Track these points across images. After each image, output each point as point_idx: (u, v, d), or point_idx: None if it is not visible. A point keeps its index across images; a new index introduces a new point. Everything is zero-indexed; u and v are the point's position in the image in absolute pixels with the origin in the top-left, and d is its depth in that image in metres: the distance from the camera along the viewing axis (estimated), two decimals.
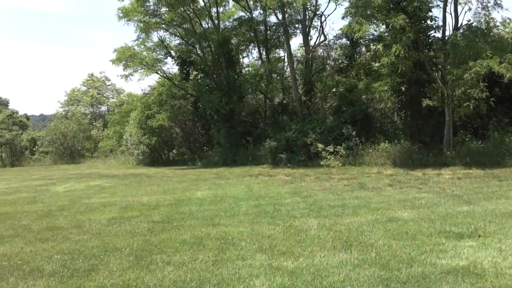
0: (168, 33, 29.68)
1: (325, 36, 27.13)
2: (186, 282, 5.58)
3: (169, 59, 30.80)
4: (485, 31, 19.37)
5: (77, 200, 13.24)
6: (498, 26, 21.21)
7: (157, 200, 12.39)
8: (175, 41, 30.70)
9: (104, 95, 57.28)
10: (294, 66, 27.37)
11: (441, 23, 20.17)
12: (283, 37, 27.80)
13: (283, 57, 30.35)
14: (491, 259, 5.88)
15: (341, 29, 25.16)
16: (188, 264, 6.30)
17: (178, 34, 29.64)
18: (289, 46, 26.89)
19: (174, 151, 32.57)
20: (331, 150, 20.54)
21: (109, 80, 57.73)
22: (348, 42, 25.99)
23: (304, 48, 27.53)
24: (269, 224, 8.61)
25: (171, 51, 30.36)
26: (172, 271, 6.03)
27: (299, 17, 27.34)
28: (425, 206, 9.90)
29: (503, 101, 20.40)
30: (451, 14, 19.63)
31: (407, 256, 6.17)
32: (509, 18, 20.34)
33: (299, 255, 6.44)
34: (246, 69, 31.81)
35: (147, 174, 21.57)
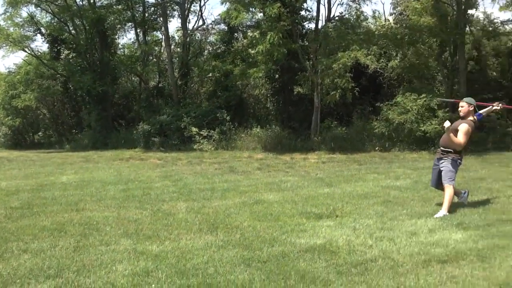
0: (39, 8, 27.73)
1: (203, 20, 27.26)
2: (43, 269, 5.30)
3: (38, 36, 28.98)
4: (355, 23, 20.58)
5: None
6: (368, 19, 22.61)
7: (17, 185, 11.60)
8: (46, 18, 28.78)
9: None
10: (171, 49, 27.03)
11: (315, 14, 21.11)
12: (161, 19, 27.26)
13: (160, 40, 29.81)
14: (346, 237, 6.25)
15: (219, 14, 25.35)
16: (47, 251, 5.98)
17: (50, 10, 27.75)
18: (167, 28, 26.51)
19: (40, 133, 30.81)
20: (205, 134, 20.64)
21: None
22: (226, 27, 26.19)
23: (182, 31, 27.22)
24: (136, 209, 8.45)
25: (41, 28, 28.46)
26: (29, 259, 5.69)
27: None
28: (290, 188, 10.31)
29: (368, 91, 21.85)
30: (324, 5, 20.61)
31: (270, 236, 6.38)
32: (378, 11, 21.84)
33: (165, 239, 6.39)
34: (122, 50, 30.83)
35: (7, 157, 20.16)
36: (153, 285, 4.71)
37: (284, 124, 21.61)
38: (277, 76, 22.77)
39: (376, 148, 18.53)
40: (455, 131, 7.55)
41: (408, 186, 10.27)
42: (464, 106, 7.72)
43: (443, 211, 7.36)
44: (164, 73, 28.13)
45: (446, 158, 7.68)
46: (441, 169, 7.71)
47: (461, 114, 7.77)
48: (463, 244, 5.77)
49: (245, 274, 4.93)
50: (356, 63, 19.07)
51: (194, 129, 20.75)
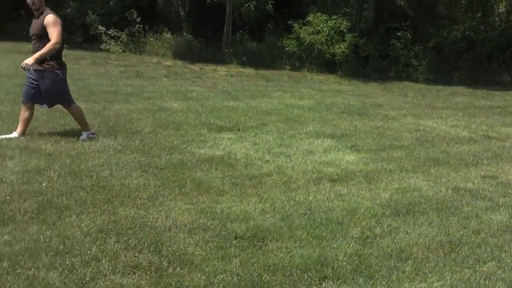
0: None
1: None
2: None
3: None
4: None
5: None
6: None
7: None
8: None
9: None
10: None
11: None
12: None
13: None
14: (245, 150, 6.38)
15: None
16: None
17: None
18: None
19: None
20: (112, 34, 19.66)
21: None
22: None
23: None
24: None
25: None
26: None
27: None
28: (196, 98, 10.26)
29: (282, 7, 21.61)
30: None
31: (170, 144, 6.38)
32: None
33: (61, 139, 6.20)
34: None
35: None
36: (44, 184, 4.61)
37: (196, 32, 21.02)
38: None
39: (286, 67, 18.68)
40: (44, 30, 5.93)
41: (311, 106, 10.57)
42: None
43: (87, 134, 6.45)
44: None
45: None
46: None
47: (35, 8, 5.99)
48: (354, 165, 6.10)
49: (140, 179, 4.94)
50: None
51: (101, 28, 19.64)
